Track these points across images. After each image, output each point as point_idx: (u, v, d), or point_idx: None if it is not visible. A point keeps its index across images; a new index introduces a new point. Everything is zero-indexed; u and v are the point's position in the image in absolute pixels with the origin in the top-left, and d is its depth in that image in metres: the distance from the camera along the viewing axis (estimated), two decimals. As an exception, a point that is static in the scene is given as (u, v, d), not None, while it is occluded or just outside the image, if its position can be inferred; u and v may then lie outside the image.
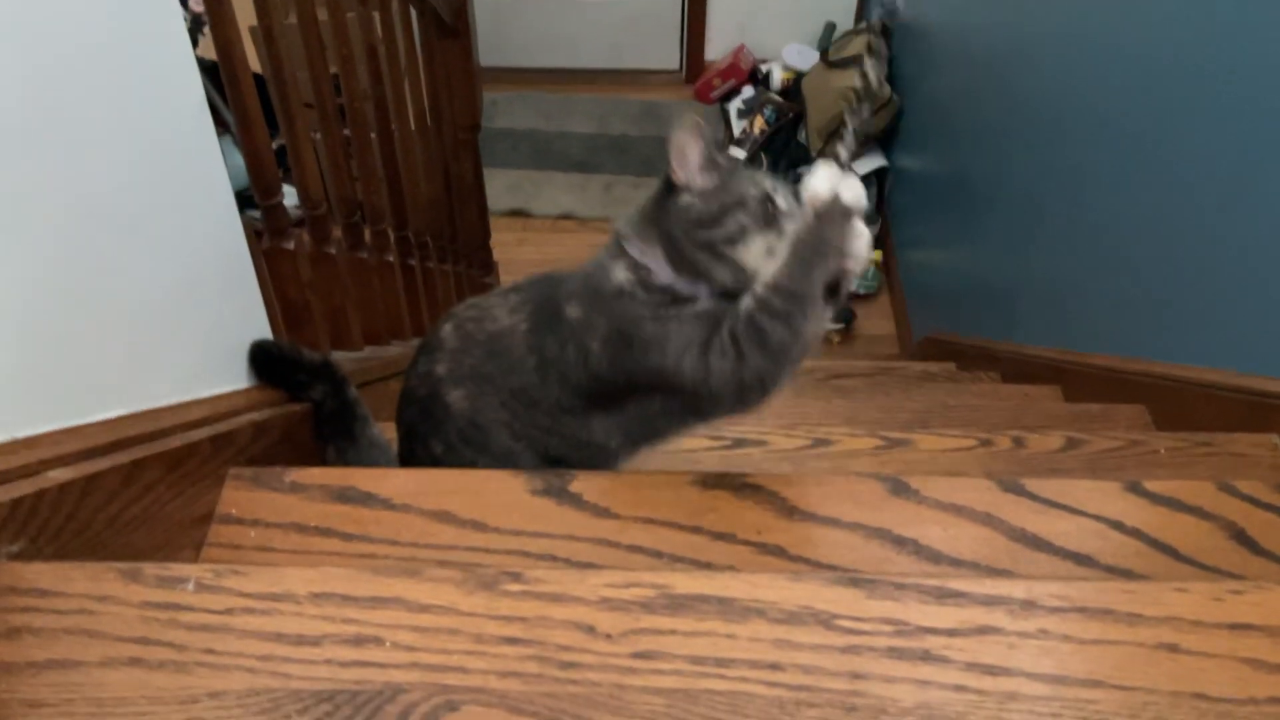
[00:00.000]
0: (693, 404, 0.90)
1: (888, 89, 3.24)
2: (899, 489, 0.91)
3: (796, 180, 0.89)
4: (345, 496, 0.91)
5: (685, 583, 0.67)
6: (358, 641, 0.65)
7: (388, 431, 1.15)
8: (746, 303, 0.85)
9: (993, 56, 2.44)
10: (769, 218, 0.87)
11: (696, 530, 0.88)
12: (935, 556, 0.87)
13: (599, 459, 0.98)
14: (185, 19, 0.94)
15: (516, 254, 3.33)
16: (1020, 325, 2.16)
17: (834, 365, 2.31)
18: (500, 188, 3.64)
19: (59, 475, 0.73)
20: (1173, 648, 0.63)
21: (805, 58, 3.87)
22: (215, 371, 1.01)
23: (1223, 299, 1.39)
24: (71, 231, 0.77)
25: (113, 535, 0.78)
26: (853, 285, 0.90)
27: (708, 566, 0.86)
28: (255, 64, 1.37)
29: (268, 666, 0.64)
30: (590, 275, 0.93)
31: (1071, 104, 1.90)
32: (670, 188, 0.90)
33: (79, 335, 0.79)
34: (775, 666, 0.63)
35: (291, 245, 1.43)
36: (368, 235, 1.78)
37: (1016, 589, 0.65)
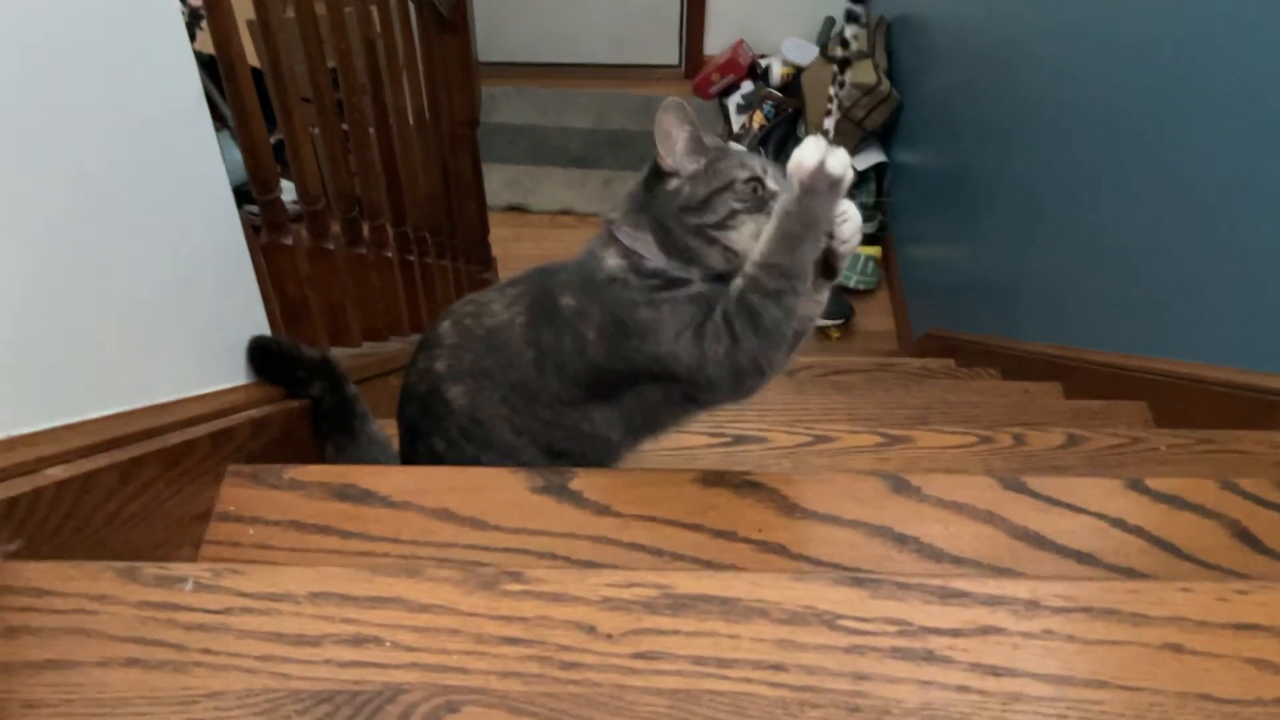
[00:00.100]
0: (690, 391, 0.90)
1: (886, 84, 3.23)
2: (900, 486, 0.90)
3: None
4: (344, 494, 0.91)
5: (687, 582, 0.66)
6: (357, 641, 0.64)
7: (387, 428, 1.15)
8: (737, 283, 0.84)
9: (993, 52, 2.43)
10: (759, 201, 0.86)
11: (697, 528, 0.88)
12: (937, 555, 0.86)
13: (601, 451, 0.98)
14: (183, 13, 0.93)
15: (515, 249, 3.32)
16: (1020, 321, 2.15)
17: (833, 361, 2.31)
18: (499, 183, 3.64)
19: (57, 473, 0.72)
20: (1178, 648, 0.62)
21: (804, 53, 3.86)
22: (213, 368, 1.01)
23: (1224, 295, 1.38)
24: (68, 227, 0.77)
25: (111, 533, 0.77)
26: (845, 266, 0.89)
27: (708, 565, 0.86)
28: (253, 58, 1.37)
29: (267, 667, 0.63)
30: (583, 264, 0.92)
31: (1073, 100, 1.89)
32: (658, 172, 0.89)
33: (76, 332, 0.79)
34: (778, 667, 0.62)
35: (290, 241, 1.42)
36: (366, 231, 1.78)
37: (1020, 589, 0.65)
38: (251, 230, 1.13)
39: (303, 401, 1.11)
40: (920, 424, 1.41)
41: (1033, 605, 0.64)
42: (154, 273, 0.90)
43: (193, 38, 0.95)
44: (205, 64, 1.03)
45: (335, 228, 1.63)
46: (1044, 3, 2.10)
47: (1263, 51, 1.27)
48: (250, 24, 1.61)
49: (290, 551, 0.88)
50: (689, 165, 0.88)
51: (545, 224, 3.66)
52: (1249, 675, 0.61)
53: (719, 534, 0.88)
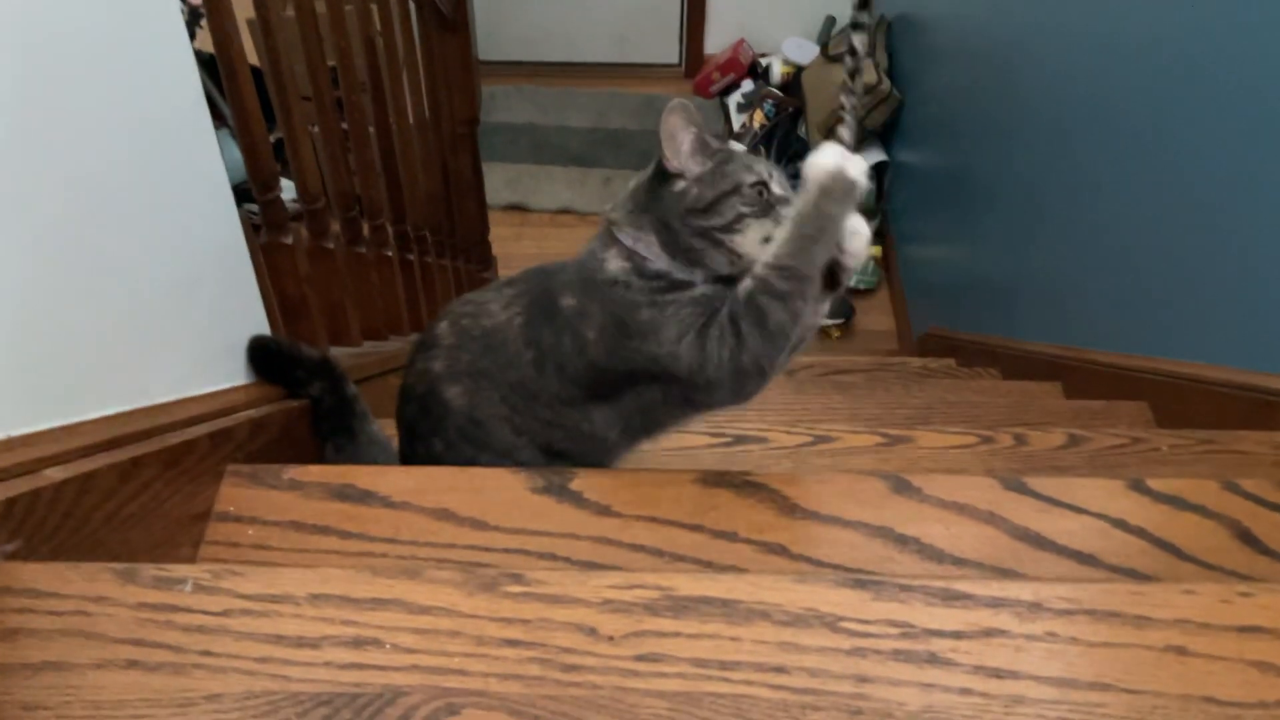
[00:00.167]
0: (689, 392, 0.90)
1: (887, 83, 3.22)
2: (901, 487, 0.90)
3: (795, 176, 0.88)
4: (344, 494, 0.91)
5: (688, 584, 0.66)
6: (357, 643, 0.64)
7: (387, 428, 1.14)
8: (746, 284, 0.85)
9: (993, 52, 2.43)
10: (765, 205, 0.87)
11: (698, 529, 0.88)
12: (938, 555, 0.86)
13: (600, 451, 0.97)
14: (183, 12, 0.93)
15: (515, 249, 3.32)
16: (1020, 321, 2.15)
17: (834, 360, 2.30)
18: (499, 182, 3.63)
19: (56, 473, 0.72)
20: (1181, 650, 0.62)
21: (805, 52, 3.86)
22: (213, 368, 1.01)
23: (1224, 295, 1.38)
24: (67, 227, 0.77)
25: (110, 533, 0.77)
26: (850, 280, 0.90)
27: (709, 565, 0.86)
28: (253, 57, 1.36)
29: (266, 669, 0.63)
30: (583, 265, 0.92)
31: (1073, 99, 1.89)
32: (663, 174, 0.89)
33: (75, 332, 0.79)
34: (780, 669, 0.62)
35: (289, 240, 1.42)
36: (366, 230, 1.77)
37: (1023, 591, 0.65)
38: (251, 229, 1.12)
39: (302, 401, 1.11)
40: (921, 424, 1.40)
41: (1036, 607, 0.64)
42: (153, 272, 0.89)
43: (193, 37, 0.95)
44: (205, 63, 1.03)
45: (335, 227, 1.63)
46: (1044, 3, 2.10)
47: (1263, 51, 1.27)
48: (250, 23, 1.61)
49: (289, 552, 0.88)
50: (694, 167, 0.88)
51: (545, 223, 3.66)
52: (1252, 678, 0.61)
53: (720, 534, 0.87)
